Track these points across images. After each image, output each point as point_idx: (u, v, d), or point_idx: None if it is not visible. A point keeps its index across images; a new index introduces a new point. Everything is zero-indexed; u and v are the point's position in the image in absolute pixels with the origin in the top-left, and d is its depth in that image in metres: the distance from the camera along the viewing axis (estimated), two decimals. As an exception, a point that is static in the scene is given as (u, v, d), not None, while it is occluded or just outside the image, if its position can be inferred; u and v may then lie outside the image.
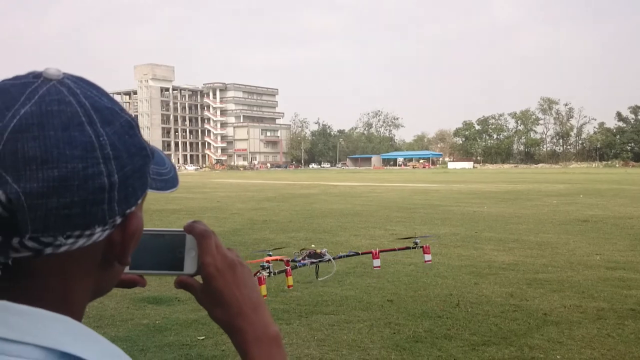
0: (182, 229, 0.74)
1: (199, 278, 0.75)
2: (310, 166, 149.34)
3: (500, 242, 11.55)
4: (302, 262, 4.70)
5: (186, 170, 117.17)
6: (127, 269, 0.72)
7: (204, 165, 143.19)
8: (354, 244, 11.44)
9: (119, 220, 0.60)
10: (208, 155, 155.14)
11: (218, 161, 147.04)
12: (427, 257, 4.72)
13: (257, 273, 4.43)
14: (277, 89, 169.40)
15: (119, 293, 6.99)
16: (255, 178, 59.21)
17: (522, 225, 14.45)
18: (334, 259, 4.68)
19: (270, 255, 4.89)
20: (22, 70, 0.60)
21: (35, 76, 0.58)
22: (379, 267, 4.96)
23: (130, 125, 0.60)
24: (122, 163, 0.57)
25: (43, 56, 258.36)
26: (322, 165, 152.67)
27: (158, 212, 18.47)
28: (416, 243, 4.69)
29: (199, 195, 28.60)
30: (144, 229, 0.70)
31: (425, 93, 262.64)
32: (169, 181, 0.71)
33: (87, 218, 0.56)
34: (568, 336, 5.45)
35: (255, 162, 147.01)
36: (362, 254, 5.06)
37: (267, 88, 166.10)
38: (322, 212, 18.37)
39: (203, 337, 5.42)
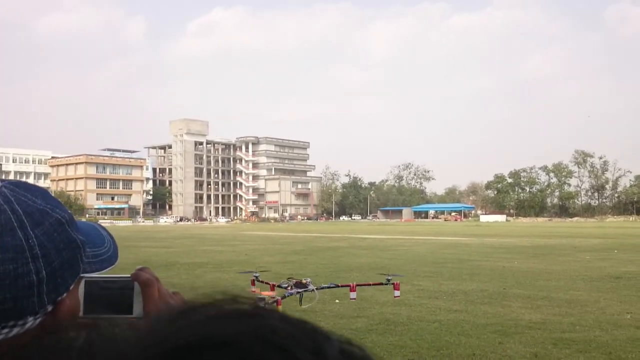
0: (130, 276, 0.81)
1: None
2: (341, 218, 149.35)
3: (528, 299, 11.32)
4: (289, 291, 4.81)
5: (217, 223, 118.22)
6: (81, 314, 0.78)
7: (235, 218, 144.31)
8: (379, 300, 11.34)
9: (49, 308, 0.68)
10: (239, 207, 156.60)
11: (254, 213, 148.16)
12: (397, 292, 4.80)
13: None
14: (308, 142, 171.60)
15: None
16: (285, 230, 59.35)
17: (552, 281, 14.15)
18: (317, 289, 4.84)
19: (256, 277, 5.04)
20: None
21: None
22: (354, 299, 5.09)
23: (60, 223, 0.70)
24: (49, 259, 0.67)
25: (86, 112, 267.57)
26: (352, 217, 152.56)
27: (185, 266, 18.65)
28: (388, 280, 4.81)
29: (228, 248, 28.80)
30: (96, 275, 0.79)
31: (457, 146, 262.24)
32: (106, 260, 0.80)
33: (19, 311, 0.65)
34: (592, 400, 5.30)
35: (286, 214, 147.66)
36: (342, 286, 5.18)
37: (298, 141, 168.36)
38: (349, 266, 18.30)
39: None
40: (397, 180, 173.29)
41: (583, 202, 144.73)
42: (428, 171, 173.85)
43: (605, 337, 7.89)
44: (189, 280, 14.71)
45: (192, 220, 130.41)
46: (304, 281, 4.84)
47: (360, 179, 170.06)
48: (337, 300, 11.23)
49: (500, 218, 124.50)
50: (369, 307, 10.58)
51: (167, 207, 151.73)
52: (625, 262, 19.17)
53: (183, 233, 53.20)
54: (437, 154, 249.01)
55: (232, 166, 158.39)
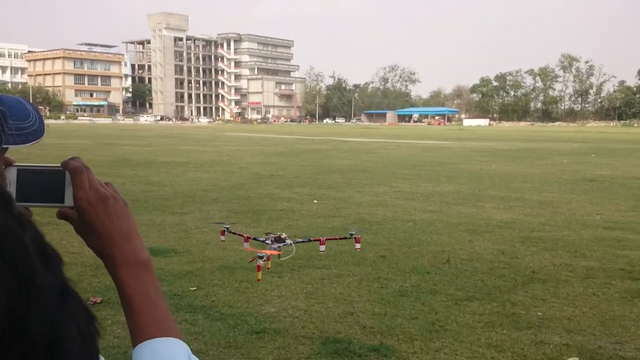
0: (60, 165, 0.81)
1: None
2: (325, 121, 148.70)
3: (501, 200, 11.58)
4: (272, 246, 4.96)
5: (199, 123, 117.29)
6: None
7: (217, 118, 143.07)
8: (357, 201, 11.54)
9: None
10: (222, 107, 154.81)
11: (239, 114, 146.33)
12: (357, 245, 5.04)
13: (253, 260, 4.81)
14: (292, 41, 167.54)
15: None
16: (267, 132, 59.21)
17: (527, 184, 14.42)
18: (294, 242, 5.02)
19: (227, 229, 5.14)
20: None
21: None
22: (324, 251, 5.34)
23: None
24: None
25: (62, 4, 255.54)
26: (336, 120, 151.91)
27: (165, 165, 18.66)
28: (351, 234, 5.01)
29: (209, 148, 28.75)
30: (28, 164, 0.79)
31: (444, 48, 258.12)
32: (31, 134, 0.79)
33: None
34: (552, 294, 5.53)
35: (269, 116, 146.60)
36: (313, 240, 5.41)
37: (282, 40, 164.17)
38: (330, 168, 18.43)
39: (195, 288, 5.58)
40: (382, 83, 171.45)
41: (566, 107, 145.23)
42: (414, 73, 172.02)
43: (573, 236, 8.15)
44: (169, 179, 14.74)
45: (173, 119, 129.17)
46: (282, 236, 4.99)
47: (345, 81, 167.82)
48: (315, 201, 11.41)
49: (483, 122, 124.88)
50: (346, 207, 10.77)
51: (147, 105, 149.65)
52: (601, 166, 19.54)
53: (164, 132, 52.87)
54: (423, 56, 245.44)
55: (213, 64, 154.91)
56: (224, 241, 5.44)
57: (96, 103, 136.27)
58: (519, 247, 7.41)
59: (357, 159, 22.46)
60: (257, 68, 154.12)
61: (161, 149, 27.09)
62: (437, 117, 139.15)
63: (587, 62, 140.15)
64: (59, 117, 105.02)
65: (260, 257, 4.71)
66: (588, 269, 6.44)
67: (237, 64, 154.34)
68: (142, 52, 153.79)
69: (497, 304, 5.20)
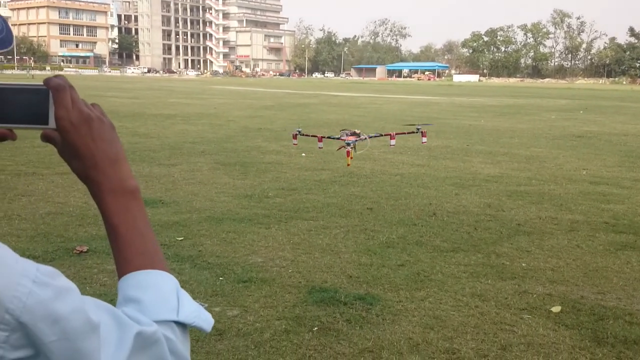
0: (43, 83, 0.75)
1: None
2: (314, 75, 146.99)
3: (489, 155, 11.60)
4: (351, 141, 5.23)
5: (187, 76, 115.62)
6: None
7: (205, 71, 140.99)
8: (343, 154, 11.47)
9: None
10: (209, 60, 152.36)
11: (237, 67, 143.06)
12: (424, 139, 5.32)
13: (341, 148, 5.25)
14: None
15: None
16: (255, 86, 58.57)
17: (515, 139, 14.44)
18: (369, 137, 5.38)
19: (299, 132, 5.49)
20: None
21: None
22: (394, 145, 5.67)
23: None
24: None
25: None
26: (325, 74, 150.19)
27: (153, 117, 18.45)
28: (418, 129, 5.26)
29: (197, 101, 28.44)
30: (9, 83, 0.73)
31: (435, 1, 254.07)
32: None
33: None
34: (537, 246, 5.59)
35: (258, 70, 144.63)
36: (385, 135, 5.72)
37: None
38: (317, 122, 18.32)
39: (182, 238, 5.58)
40: (373, 37, 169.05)
41: (556, 63, 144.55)
42: (404, 28, 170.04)
43: (559, 190, 8.20)
44: (156, 131, 14.59)
45: (161, 72, 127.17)
46: (357, 131, 5.30)
47: (334, 35, 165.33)
48: (303, 154, 11.36)
49: (473, 78, 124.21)
50: (334, 160, 10.71)
51: (134, 57, 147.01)
52: (589, 122, 19.59)
53: (151, 85, 52.14)
54: (414, 10, 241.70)
55: (201, 16, 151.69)
56: (295, 144, 5.70)
57: (82, 54, 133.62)
58: (505, 201, 7.45)
59: (345, 114, 22.32)
60: (246, 20, 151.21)
61: (148, 102, 26.75)
62: (427, 73, 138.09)
63: (578, 18, 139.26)
64: (44, 68, 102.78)
65: (348, 144, 4.97)
66: (573, 222, 6.50)
67: (225, 15, 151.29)
68: (129, 2, 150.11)
69: (482, 255, 5.25)
